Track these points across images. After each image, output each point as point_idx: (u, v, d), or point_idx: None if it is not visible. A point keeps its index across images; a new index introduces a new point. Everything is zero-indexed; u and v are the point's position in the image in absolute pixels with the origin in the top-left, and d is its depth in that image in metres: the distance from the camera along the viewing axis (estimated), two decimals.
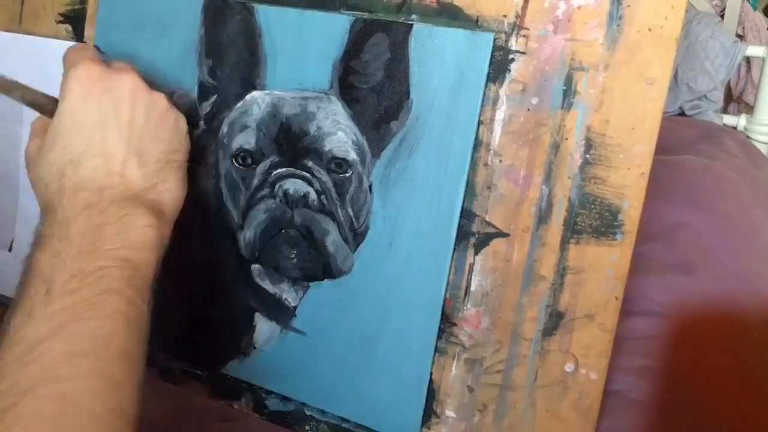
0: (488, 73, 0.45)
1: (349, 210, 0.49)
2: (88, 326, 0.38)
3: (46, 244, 0.42)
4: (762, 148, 1.12)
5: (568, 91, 0.43)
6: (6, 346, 0.38)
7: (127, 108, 0.46)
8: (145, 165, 0.46)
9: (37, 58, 0.61)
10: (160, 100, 0.48)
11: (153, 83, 0.48)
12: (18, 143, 0.63)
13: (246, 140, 0.50)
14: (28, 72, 0.61)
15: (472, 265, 0.47)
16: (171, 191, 0.47)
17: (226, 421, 0.61)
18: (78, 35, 0.60)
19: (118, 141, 0.45)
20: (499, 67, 0.45)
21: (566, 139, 0.44)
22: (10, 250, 0.64)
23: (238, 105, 0.51)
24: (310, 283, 0.51)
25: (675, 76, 1.20)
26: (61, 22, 0.61)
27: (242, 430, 0.60)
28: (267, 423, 0.54)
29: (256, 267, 0.52)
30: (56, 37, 0.61)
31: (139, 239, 0.43)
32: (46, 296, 0.39)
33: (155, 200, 0.46)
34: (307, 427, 0.53)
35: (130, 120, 0.46)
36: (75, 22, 0.60)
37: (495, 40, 0.45)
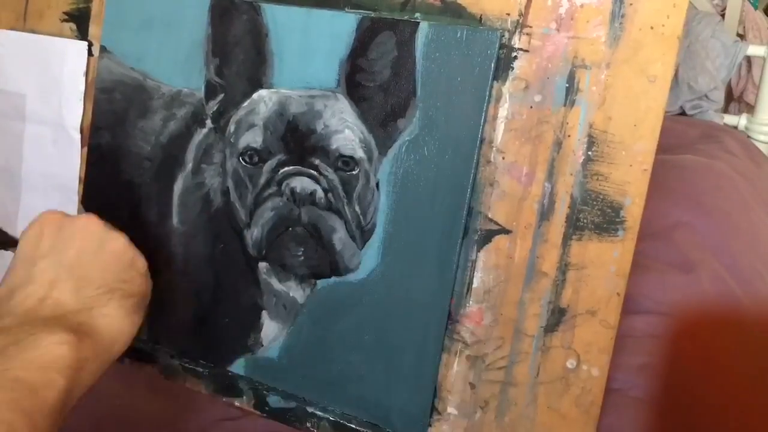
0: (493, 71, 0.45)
1: (356, 208, 0.49)
2: None
3: None
4: (763, 147, 1.12)
5: (571, 88, 0.44)
6: None
7: (77, 240, 0.48)
8: (83, 289, 0.46)
9: (42, 56, 0.62)
10: (118, 239, 0.49)
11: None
12: (20, 140, 0.63)
13: (253, 139, 0.51)
14: (32, 70, 0.62)
15: (474, 262, 0.47)
16: (109, 317, 0.46)
17: (227, 420, 0.62)
18: (82, 34, 0.60)
19: (59, 269, 0.46)
20: (502, 64, 0.45)
21: (569, 136, 0.44)
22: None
23: (245, 104, 0.52)
24: (317, 281, 0.51)
25: (676, 76, 1.20)
26: (65, 20, 0.61)
27: (243, 429, 0.61)
28: (268, 421, 0.54)
29: (263, 265, 0.52)
30: (61, 35, 0.61)
31: (45, 359, 0.40)
32: None
33: (84, 323, 0.45)
34: (308, 424, 0.53)
35: (78, 251, 0.47)
36: (79, 20, 0.60)
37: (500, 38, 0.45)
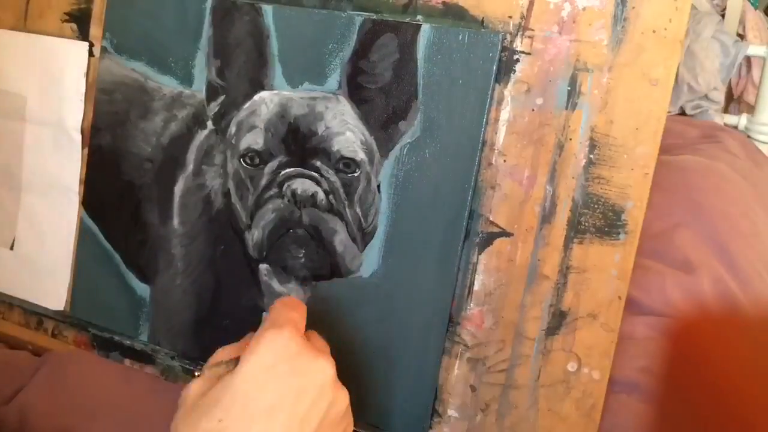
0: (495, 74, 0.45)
1: (357, 210, 0.49)
2: None
3: None
4: (763, 147, 1.12)
5: (573, 91, 0.44)
6: None
7: (307, 402, 0.38)
8: None
9: (42, 57, 0.62)
10: (344, 400, 0.41)
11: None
12: (20, 141, 0.63)
13: (254, 140, 0.51)
14: (32, 71, 0.62)
15: (475, 265, 0.47)
16: None
17: None
18: (83, 34, 0.60)
19: None
20: (504, 67, 0.45)
21: (570, 139, 0.44)
22: (11, 248, 0.64)
23: (246, 105, 0.52)
24: (318, 283, 0.51)
25: (676, 77, 1.20)
26: (66, 21, 0.61)
27: None
28: None
29: (263, 266, 0.52)
30: (61, 36, 0.61)
31: None
32: None
33: None
34: None
35: (303, 418, 0.38)
36: (80, 21, 0.60)
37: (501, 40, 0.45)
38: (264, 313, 0.53)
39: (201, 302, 0.55)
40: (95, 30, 0.60)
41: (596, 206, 0.44)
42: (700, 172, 0.82)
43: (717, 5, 1.39)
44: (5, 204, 0.65)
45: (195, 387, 0.40)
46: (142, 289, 0.57)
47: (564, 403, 0.45)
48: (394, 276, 0.48)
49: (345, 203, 0.49)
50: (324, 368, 0.39)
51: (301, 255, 0.50)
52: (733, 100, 1.38)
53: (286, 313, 0.41)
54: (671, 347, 0.59)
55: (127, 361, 0.59)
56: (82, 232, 0.60)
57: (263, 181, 0.50)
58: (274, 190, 0.50)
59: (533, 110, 0.45)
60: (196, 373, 0.41)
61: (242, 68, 0.52)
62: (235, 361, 0.40)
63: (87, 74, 0.60)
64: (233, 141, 0.52)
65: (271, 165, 0.50)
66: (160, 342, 0.57)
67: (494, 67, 0.45)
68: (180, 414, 0.40)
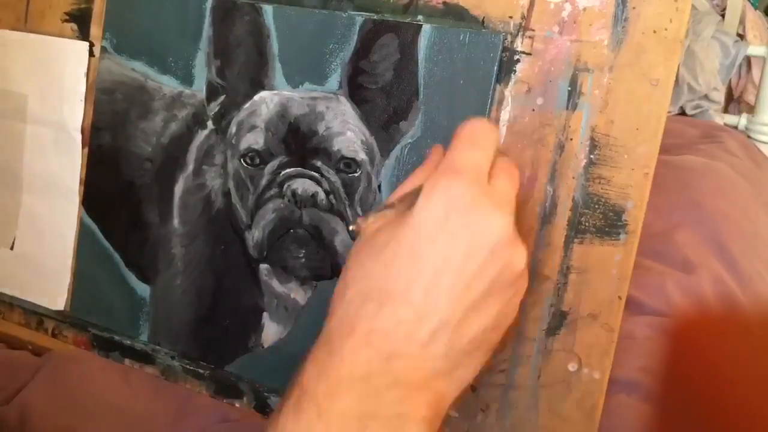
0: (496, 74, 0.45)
1: (358, 210, 0.49)
2: None
3: (302, 410, 0.33)
4: (763, 147, 1.12)
5: (573, 91, 0.44)
6: None
7: (477, 263, 0.34)
8: (456, 341, 0.35)
9: (43, 56, 0.62)
10: (520, 259, 0.36)
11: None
12: (21, 141, 0.63)
13: (254, 140, 0.51)
14: (33, 71, 0.62)
15: None
16: (465, 380, 0.36)
17: (227, 421, 0.62)
18: (84, 34, 0.60)
19: (441, 302, 0.34)
20: (504, 67, 0.45)
21: (571, 139, 0.44)
22: (12, 248, 0.64)
23: (247, 105, 0.52)
24: (319, 282, 0.51)
25: (676, 76, 1.20)
26: (66, 21, 0.61)
27: (243, 430, 0.61)
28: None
29: (264, 267, 0.52)
30: (62, 36, 0.61)
31: None
32: None
33: (441, 392, 0.35)
34: None
35: (471, 280, 0.34)
36: (81, 21, 0.60)
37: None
38: (264, 313, 0.53)
39: (201, 302, 0.55)
40: (95, 30, 0.60)
41: (597, 206, 0.44)
42: (700, 172, 0.82)
43: (717, 5, 1.39)
44: (5, 204, 0.65)
45: (372, 221, 0.38)
46: (142, 289, 0.57)
47: (564, 404, 0.45)
48: None
49: (345, 203, 0.49)
50: (501, 225, 0.35)
51: (302, 255, 0.50)
52: (733, 100, 1.38)
53: (468, 154, 0.37)
54: (671, 347, 0.59)
55: (127, 361, 0.59)
56: (82, 232, 0.60)
57: (263, 181, 0.50)
58: (274, 190, 0.50)
59: (534, 110, 0.45)
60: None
61: (242, 68, 0.52)
62: (412, 198, 0.36)
63: (87, 74, 0.60)
64: (233, 141, 0.52)
65: (272, 165, 0.50)
66: (160, 342, 0.57)
67: (495, 68, 0.45)
68: (357, 245, 0.38)
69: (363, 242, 0.37)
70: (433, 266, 0.34)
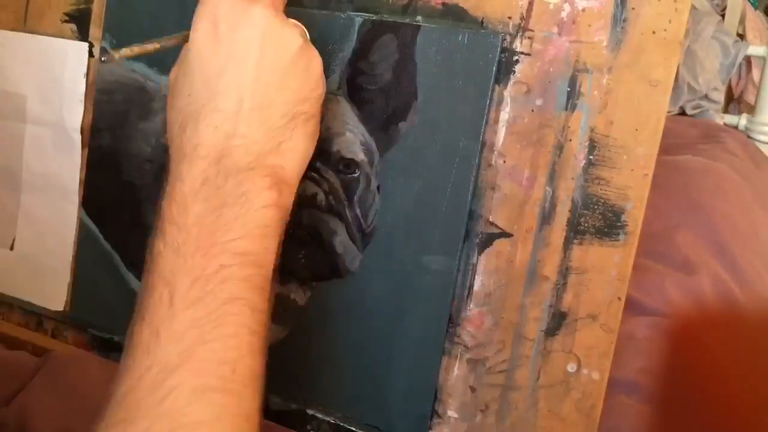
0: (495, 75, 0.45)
1: (357, 210, 0.49)
2: (213, 351, 0.34)
3: (166, 232, 0.36)
4: (763, 147, 1.13)
5: (572, 92, 0.44)
6: (137, 368, 0.34)
7: (254, 51, 0.39)
8: (269, 120, 0.39)
9: (42, 57, 0.62)
10: (294, 38, 0.40)
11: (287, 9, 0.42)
12: (20, 141, 0.63)
13: None
14: (32, 71, 0.62)
15: (475, 266, 0.47)
16: (296, 151, 0.40)
17: None
18: (83, 35, 0.60)
19: (240, 93, 0.38)
20: (503, 68, 0.45)
21: (570, 140, 0.44)
22: (11, 248, 0.64)
23: None
24: (318, 283, 0.51)
25: (676, 76, 1.20)
26: (66, 21, 0.61)
27: None
28: (268, 423, 0.54)
29: None
30: (61, 36, 0.61)
31: (260, 222, 0.37)
32: (169, 309, 0.35)
33: (277, 165, 0.39)
34: (308, 427, 0.53)
35: (256, 67, 0.39)
36: (80, 21, 0.60)
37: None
38: None
39: None
40: (95, 30, 0.60)
41: (596, 207, 0.44)
42: (700, 172, 0.82)
43: (717, 5, 1.39)
44: (5, 204, 0.65)
45: (171, 73, 0.43)
46: None
47: (564, 404, 0.45)
48: (394, 277, 0.48)
49: (345, 204, 0.49)
50: (261, 16, 0.39)
51: (301, 256, 0.50)
52: (733, 100, 1.38)
53: None
54: (671, 347, 0.59)
55: None
56: (82, 232, 0.60)
57: None
58: None
59: (533, 111, 0.45)
60: None
61: None
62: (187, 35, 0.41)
63: (87, 75, 0.60)
64: None
65: None
66: None
67: (494, 68, 0.45)
68: (167, 100, 0.42)
69: (170, 94, 0.42)
70: (219, 72, 0.39)
